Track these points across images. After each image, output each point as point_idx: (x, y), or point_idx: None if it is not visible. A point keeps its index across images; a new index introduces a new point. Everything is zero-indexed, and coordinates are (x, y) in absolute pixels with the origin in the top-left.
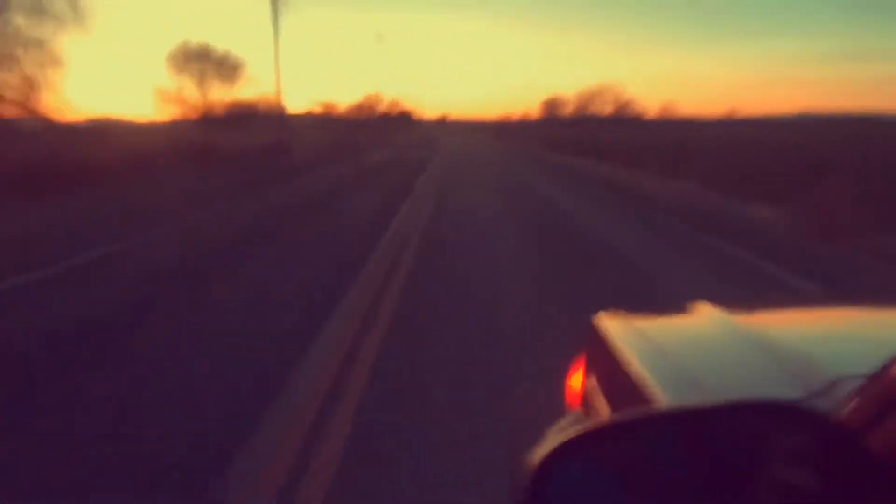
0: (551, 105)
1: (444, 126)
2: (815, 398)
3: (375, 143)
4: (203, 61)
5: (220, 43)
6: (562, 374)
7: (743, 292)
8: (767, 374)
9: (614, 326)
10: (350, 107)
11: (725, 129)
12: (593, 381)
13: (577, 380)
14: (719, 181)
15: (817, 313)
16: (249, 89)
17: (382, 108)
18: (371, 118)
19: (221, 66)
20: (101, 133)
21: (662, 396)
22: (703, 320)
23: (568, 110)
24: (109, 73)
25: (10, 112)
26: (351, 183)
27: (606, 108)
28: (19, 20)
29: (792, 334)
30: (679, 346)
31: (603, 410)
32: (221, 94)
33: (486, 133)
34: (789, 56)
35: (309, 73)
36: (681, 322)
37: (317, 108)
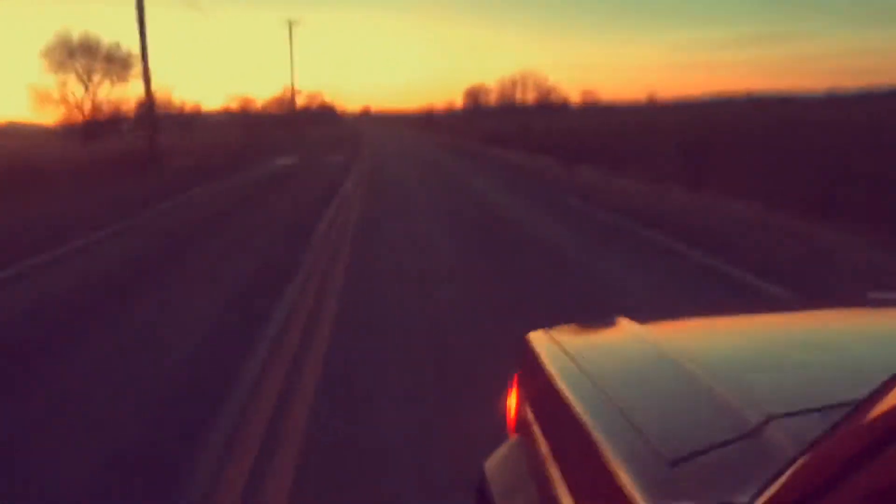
0: (474, 94)
1: (367, 119)
2: (743, 440)
3: (287, 142)
4: (88, 55)
5: (110, 35)
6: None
7: None
8: (696, 411)
9: (545, 347)
10: (268, 101)
11: (661, 115)
12: (527, 403)
13: (512, 401)
14: (774, 195)
15: (748, 324)
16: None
17: (302, 101)
18: (290, 113)
19: (110, 60)
20: None
21: (593, 430)
22: (632, 345)
23: (491, 99)
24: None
25: None
26: (213, 228)
27: (529, 96)
28: None
29: (726, 360)
30: (611, 377)
31: (538, 436)
32: (111, 93)
33: (411, 126)
34: (701, 41)
35: (226, 68)
36: (615, 348)
37: (233, 105)
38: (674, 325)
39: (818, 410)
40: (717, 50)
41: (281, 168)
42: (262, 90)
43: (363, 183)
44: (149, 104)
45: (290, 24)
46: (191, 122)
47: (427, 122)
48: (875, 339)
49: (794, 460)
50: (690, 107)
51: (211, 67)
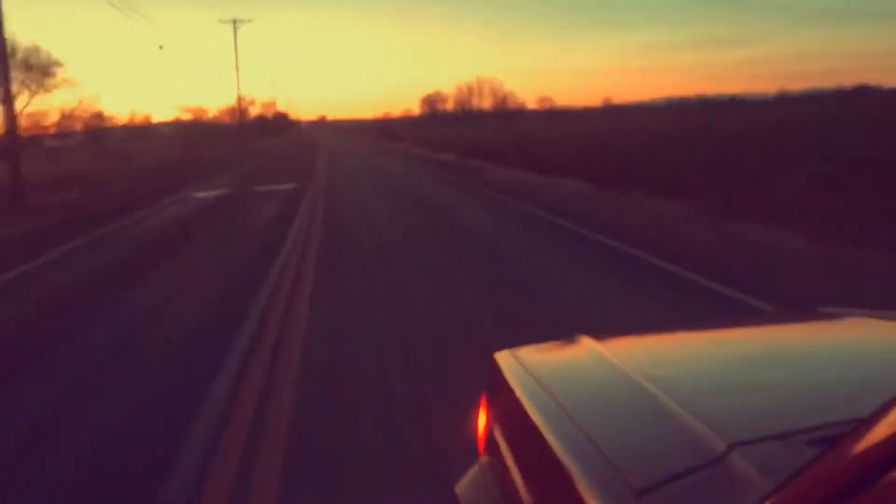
0: (431, 101)
1: (323, 127)
2: (707, 469)
3: (229, 158)
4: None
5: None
6: None
7: None
8: (660, 437)
9: (511, 368)
10: (221, 111)
11: (628, 119)
12: (496, 424)
13: (481, 421)
14: None
15: (707, 340)
16: (69, 95)
17: (256, 110)
18: (244, 122)
19: (28, 67)
20: None
21: (562, 456)
22: (596, 366)
23: (448, 106)
24: None
25: None
26: None
27: (485, 103)
28: None
29: (689, 382)
30: (577, 401)
31: (508, 459)
32: (30, 105)
33: (371, 134)
34: (654, 44)
35: (179, 78)
36: (577, 370)
37: (185, 115)
38: (635, 343)
39: (780, 437)
40: (670, 53)
41: (198, 207)
42: (216, 99)
43: (320, 237)
44: (9, 119)
45: (235, 23)
46: (137, 135)
47: (388, 130)
48: (830, 357)
49: (767, 494)
50: (647, 110)
51: (163, 77)
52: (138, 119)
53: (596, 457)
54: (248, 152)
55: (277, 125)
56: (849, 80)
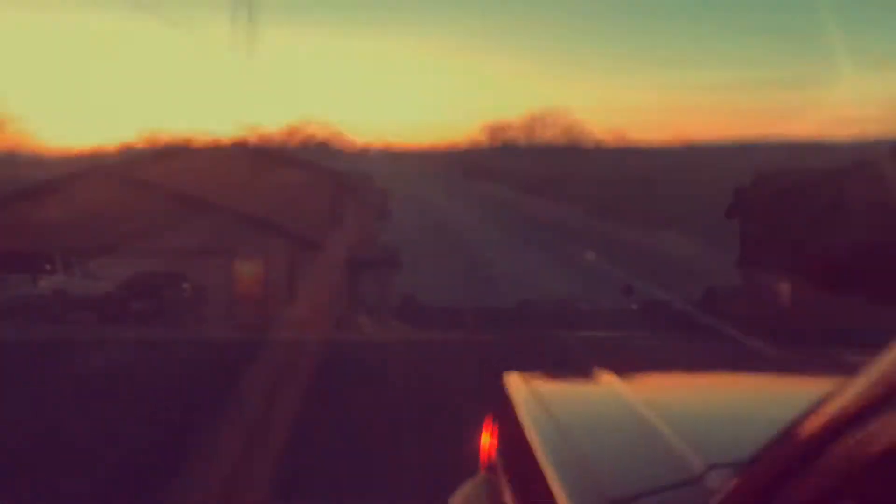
0: (496, 131)
1: (379, 160)
2: (684, 486)
3: None
4: None
5: None
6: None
7: None
8: (647, 458)
9: (521, 393)
10: (215, 140)
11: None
12: (497, 443)
13: (486, 439)
14: None
15: (722, 382)
16: None
17: (281, 136)
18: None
19: None
20: None
21: (547, 471)
22: (606, 398)
23: (513, 136)
24: None
25: None
26: None
27: (549, 134)
28: None
29: (687, 413)
30: (578, 426)
31: (500, 474)
32: None
33: (459, 176)
34: (731, 82)
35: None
36: (584, 396)
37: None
38: (648, 379)
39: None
40: (750, 92)
41: None
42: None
43: None
44: None
45: None
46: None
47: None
48: None
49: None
50: (735, 151)
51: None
52: (78, 151)
53: (582, 472)
54: None
55: (300, 159)
56: None
